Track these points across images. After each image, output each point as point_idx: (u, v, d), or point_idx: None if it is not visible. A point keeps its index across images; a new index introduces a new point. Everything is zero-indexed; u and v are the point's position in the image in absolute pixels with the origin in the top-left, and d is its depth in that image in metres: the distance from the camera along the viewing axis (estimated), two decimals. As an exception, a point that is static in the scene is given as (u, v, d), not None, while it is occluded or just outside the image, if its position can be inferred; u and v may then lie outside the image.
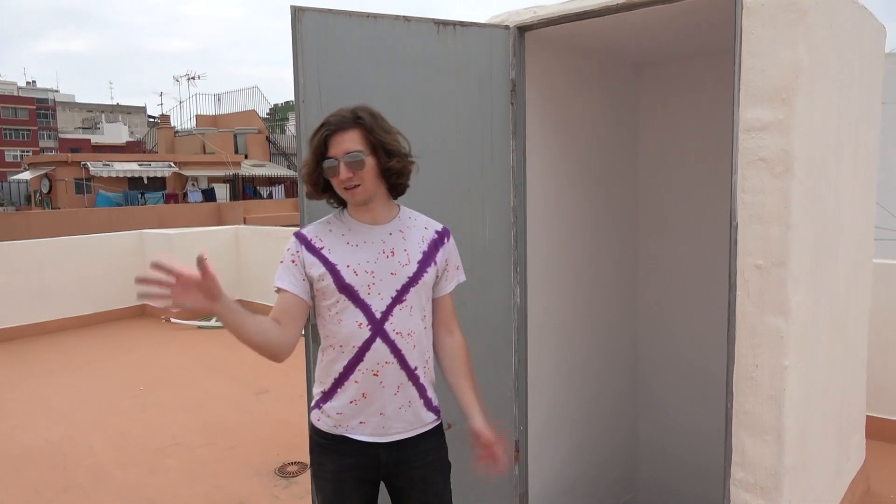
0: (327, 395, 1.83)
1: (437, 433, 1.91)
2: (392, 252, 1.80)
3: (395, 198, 1.87)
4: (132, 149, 39.30)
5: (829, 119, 2.34)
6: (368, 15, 2.29)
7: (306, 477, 3.77)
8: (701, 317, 3.43)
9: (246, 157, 28.60)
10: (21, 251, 7.58)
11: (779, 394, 2.13)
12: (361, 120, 1.73)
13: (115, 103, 73.84)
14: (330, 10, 2.22)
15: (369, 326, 1.76)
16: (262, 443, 4.33)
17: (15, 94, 66.76)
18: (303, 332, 1.90)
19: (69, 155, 25.67)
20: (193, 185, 26.29)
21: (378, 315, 1.76)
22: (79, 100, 77.15)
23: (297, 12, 2.15)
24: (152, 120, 50.90)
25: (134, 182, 25.18)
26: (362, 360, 1.76)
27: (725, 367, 2.25)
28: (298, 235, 1.83)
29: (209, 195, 25.45)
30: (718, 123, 3.17)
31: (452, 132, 2.51)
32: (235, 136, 29.07)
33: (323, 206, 1.88)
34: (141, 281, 1.53)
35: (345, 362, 1.78)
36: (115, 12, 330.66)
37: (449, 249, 1.91)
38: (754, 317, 2.15)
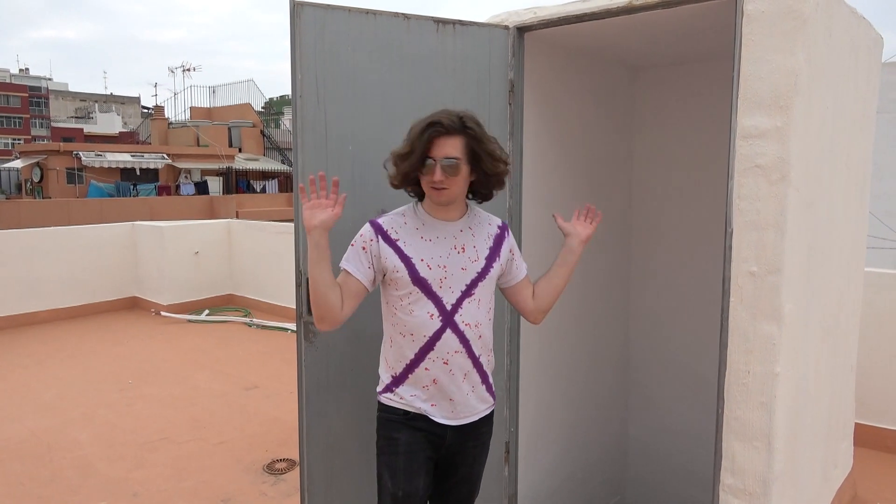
0: (398, 380, 1.95)
1: (491, 417, 2.08)
2: (462, 248, 1.93)
3: (480, 203, 2.02)
4: (125, 139, 39.02)
5: (825, 127, 2.35)
6: (368, 11, 2.28)
7: (295, 474, 3.75)
8: (694, 321, 3.44)
9: (240, 150, 28.51)
10: (10, 241, 7.49)
11: (770, 400, 2.14)
12: (470, 130, 1.83)
13: (108, 93, 73.34)
14: (329, 6, 2.21)
15: (440, 318, 1.88)
16: (250, 439, 4.31)
17: (7, 80, 66.30)
18: (298, 330, 1.92)
19: (61, 144, 25.52)
20: (186, 177, 26.18)
21: (449, 307, 1.89)
22: (72, 88, 76.74)
23: (296, 7, 2.15)
24: (146, 111, 50.52)
25: (126, 173, 25.07)
26: (433, 349, 1.89)
27: (717, 371, 2.26)
28: (374, 224, 1.93)
29: (202, 188, 25.35)
30: (714, 129, 3.18)
31: (450, 131, 2.49)
32: (230, 129, 28.98)
33: None
34: (312, 182, 1.81)
35: (416, 350, 1.90)
36: (111, 0, 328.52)
37: (510, 241, 2.07)
38: (747, 323, 2.16)
